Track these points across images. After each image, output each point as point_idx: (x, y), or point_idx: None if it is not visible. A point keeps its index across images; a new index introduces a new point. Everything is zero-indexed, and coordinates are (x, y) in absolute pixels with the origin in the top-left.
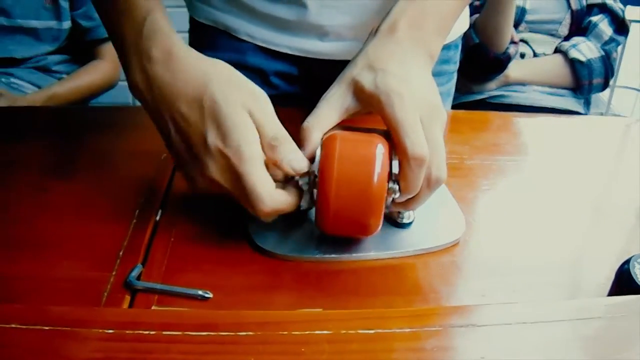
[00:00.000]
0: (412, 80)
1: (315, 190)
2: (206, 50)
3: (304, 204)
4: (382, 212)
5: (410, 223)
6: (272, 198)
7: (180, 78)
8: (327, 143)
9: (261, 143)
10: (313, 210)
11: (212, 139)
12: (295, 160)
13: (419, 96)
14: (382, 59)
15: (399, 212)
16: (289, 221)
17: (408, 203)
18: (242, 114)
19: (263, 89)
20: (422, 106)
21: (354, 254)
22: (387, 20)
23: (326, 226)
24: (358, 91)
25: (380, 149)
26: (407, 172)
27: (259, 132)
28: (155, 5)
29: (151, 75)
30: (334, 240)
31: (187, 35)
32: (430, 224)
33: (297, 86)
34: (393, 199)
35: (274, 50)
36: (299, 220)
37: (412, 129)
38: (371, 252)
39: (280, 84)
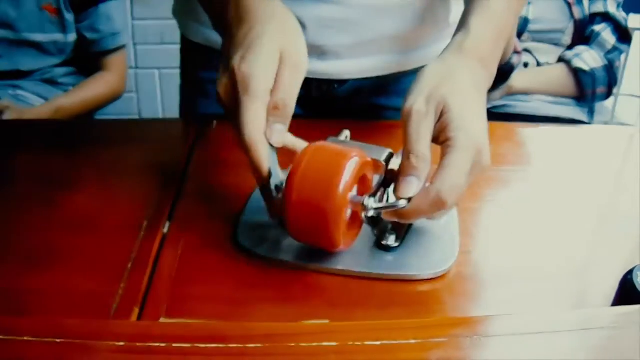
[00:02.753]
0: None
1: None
2: (203, 71)
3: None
4: (342, 226)
5: (395, 248)
6: (254, 138)
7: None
8: (302, 151)
9: (271, 95)
10: None
11: (235, 59)
12: (277, 133)
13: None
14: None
15: (383, 234)
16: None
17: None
18: (272, 56)
19: None
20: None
21: (317, 264)
22: (470, 38)
23: (289, 229)
24: (441, 116)
25: (352, 162)
26: (420, 207)
27: (275, 84)
28: None
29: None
30: (314, 250)
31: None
32: (420, 250)
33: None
34: (372, 216)
35: None
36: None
37: (459, 174)
38: (351, 268)
39: None
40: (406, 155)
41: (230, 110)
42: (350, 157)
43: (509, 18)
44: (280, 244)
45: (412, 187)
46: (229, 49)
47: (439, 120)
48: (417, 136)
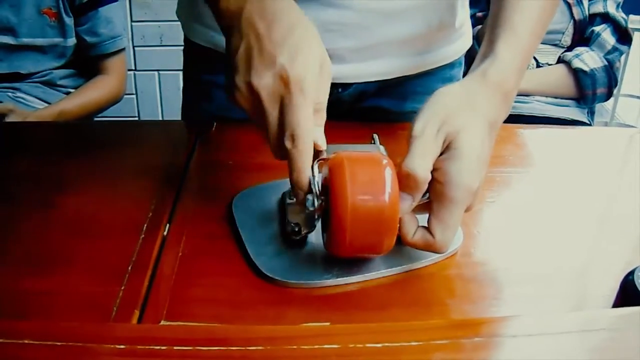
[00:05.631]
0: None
1: (318, 213)
2: (206, 74)
3: (310, 223)
4: (397, 230)
5: None
6: (307, 141)
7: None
8: (334, 165)
9: None
10: (313, 234)
11: (283, 58)
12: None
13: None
14: (486, 124)
15: None
16: (288, 246)
17: None
18: (320, 61)
19: None
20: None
21: (360, 275)
22: (497, 68)
23: (342, 250)
24: (447, 149)
25: (390, 169)
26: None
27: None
28: None
29: None
30: (337, 262)
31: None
32: None
33: None
34: None
35: None
36: (298, 245)
37: (453, 227)
38: (377, 270)
39: None
40: (406, 172)
41: (268, 113)
42: (385, 164)
43: (533, 43)
44: (310, 265)
45: (404, 205)
46: (263, 46)
47: (444, 151)
48: (421, 159)
